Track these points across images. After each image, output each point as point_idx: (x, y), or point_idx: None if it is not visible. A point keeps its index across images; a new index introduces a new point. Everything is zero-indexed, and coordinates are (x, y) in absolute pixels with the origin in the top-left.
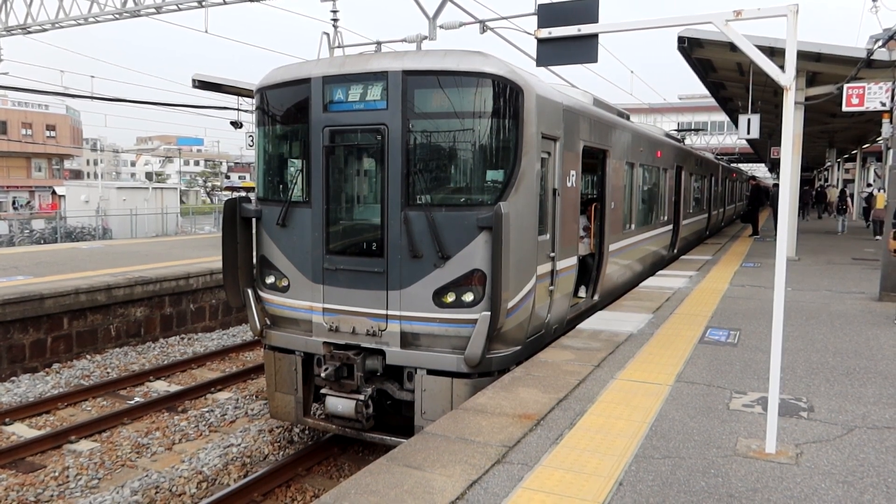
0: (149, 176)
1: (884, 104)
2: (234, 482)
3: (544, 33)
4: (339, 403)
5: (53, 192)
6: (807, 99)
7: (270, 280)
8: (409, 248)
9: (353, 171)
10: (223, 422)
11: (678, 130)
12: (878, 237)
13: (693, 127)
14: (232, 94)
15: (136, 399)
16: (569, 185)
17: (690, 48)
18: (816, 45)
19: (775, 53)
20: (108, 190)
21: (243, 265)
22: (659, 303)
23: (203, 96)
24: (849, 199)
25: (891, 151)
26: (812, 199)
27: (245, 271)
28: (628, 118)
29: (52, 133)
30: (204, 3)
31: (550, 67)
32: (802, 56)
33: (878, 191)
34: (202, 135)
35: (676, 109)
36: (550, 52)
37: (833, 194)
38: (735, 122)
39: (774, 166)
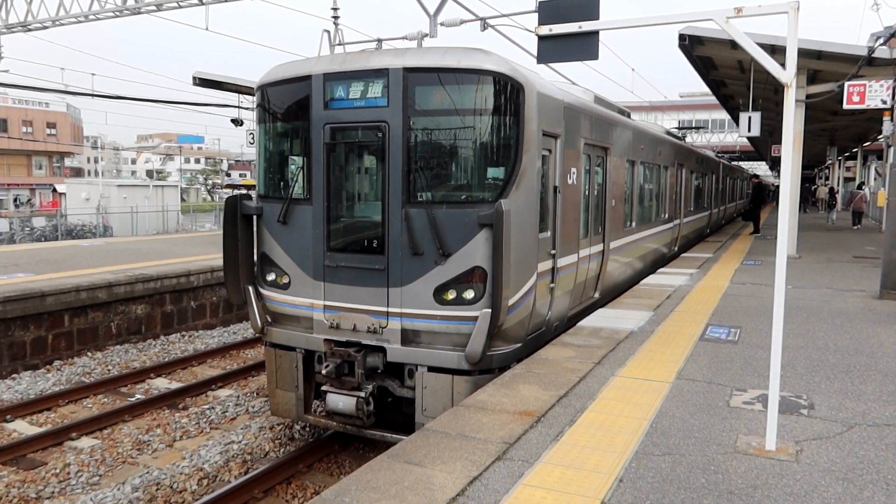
0: (149, 174)
1: (885, 102)
2: (235, 479)
3: (545, 30)
4: (340, 400)
5: (54, 190)
6: (808, 97)
7: (271, 277)
8: (410, 246)
9: (354, 168)
10: (224, 419)
11: (679, 128)
12: (852, 226)
13: (694, 125)
14: (232, 92)
15: (137, 396)
16: (570, 182)
17: (691, 46)
18: (817, 42)
19: (776, 51)
20: (109, 187)
21: (244, 262)
22: (659, 300)
23: (204, 94)
24: (837, 196)
25: (891, 149)
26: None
27: (246, 268)
28: (629, 116)
29: (53, 131)
30: (205, 0)
31: (551, 65)
32: (803, 54)
33: (860, 189)
34: (203, 132)
35: (677, 107)
36: (551, 49)
37: (822, 192)
38: (736, 119)
39: (775, 164)
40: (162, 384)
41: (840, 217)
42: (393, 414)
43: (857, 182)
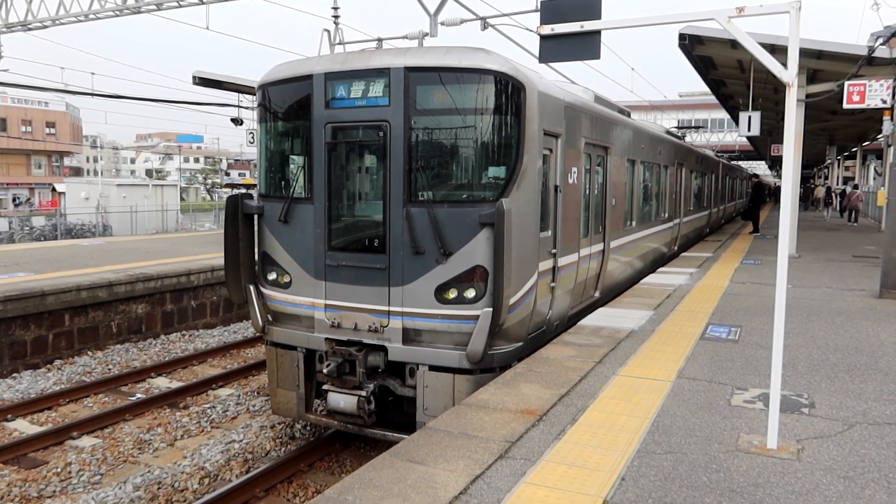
0: (149, 173)
1: (884, 101)
2: (236, 478)
3: (547, 30)
4: (341, 399)
5: (53, 189)
6: (807, 96)
7: (272, 276)
8: (411, 245)
9: (355, 167)
10: (225, 418)
11: (679, 128)
12: (850, 222)
13: (693, 124)
14: (232, 91)
15: (138, 395)
16: (570, 181)
17: (691, 45)
18: (818, 42)
19: (776, 51)
20: (108, 187)
21: (245, 261)
22: (660, 299)
23: (203, 93)
24: (833, 195)
25: (891, 149)
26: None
27: (247, 268)
28: (629, 115)
29: (52, 130)
30: (205, 0)
31: (551, 64)
32: (803, 53)
33: (856, 188)
34: (202, 132)
35: (677, 107)
36: (553, 49)
37: (820, 192)
38: (735, 119)
39: (774, 163)
40: (162, 383)
41: (833, 216)
42: (394, 413)
43: (852, 183)
